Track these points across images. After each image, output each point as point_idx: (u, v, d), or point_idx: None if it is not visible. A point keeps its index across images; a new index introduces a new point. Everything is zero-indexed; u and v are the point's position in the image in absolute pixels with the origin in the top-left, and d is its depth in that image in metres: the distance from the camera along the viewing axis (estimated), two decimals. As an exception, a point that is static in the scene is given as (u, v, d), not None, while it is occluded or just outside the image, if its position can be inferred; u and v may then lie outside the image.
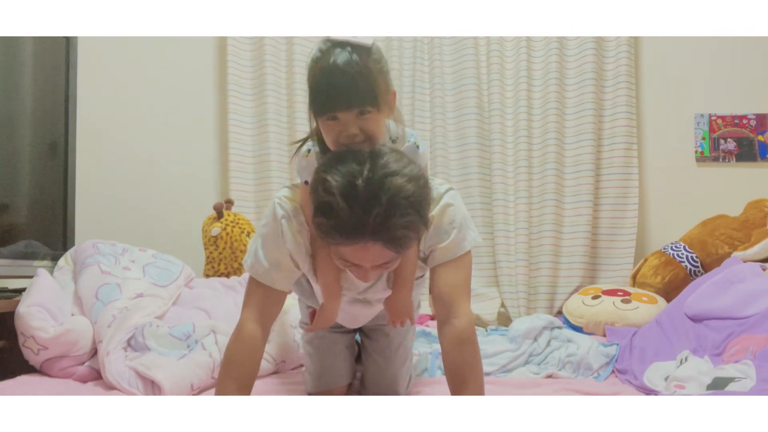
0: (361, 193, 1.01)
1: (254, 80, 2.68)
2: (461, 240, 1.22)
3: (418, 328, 2.04)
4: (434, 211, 1.19)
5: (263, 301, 1.21)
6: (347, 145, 1.10)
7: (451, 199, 1.22)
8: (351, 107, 1.08)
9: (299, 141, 1.23)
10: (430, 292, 1.24)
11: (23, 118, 1.98)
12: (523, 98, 2.65)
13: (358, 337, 1.58)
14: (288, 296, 1.28)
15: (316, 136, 1.18)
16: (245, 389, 1.17)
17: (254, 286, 1.22)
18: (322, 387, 1.49)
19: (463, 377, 1.15)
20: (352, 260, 1.09)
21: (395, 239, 1.04)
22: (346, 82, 1.06)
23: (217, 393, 1.17)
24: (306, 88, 1.15)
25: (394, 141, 1.19)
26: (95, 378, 1.59)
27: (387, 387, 1.48)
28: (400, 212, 1.02)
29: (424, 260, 1.26)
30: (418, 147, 1.21)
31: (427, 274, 1.30)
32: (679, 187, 2.70)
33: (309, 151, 1.19)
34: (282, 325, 1.82)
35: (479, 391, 1.15)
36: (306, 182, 1.17)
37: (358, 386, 1.58)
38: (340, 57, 1.06)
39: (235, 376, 1.17)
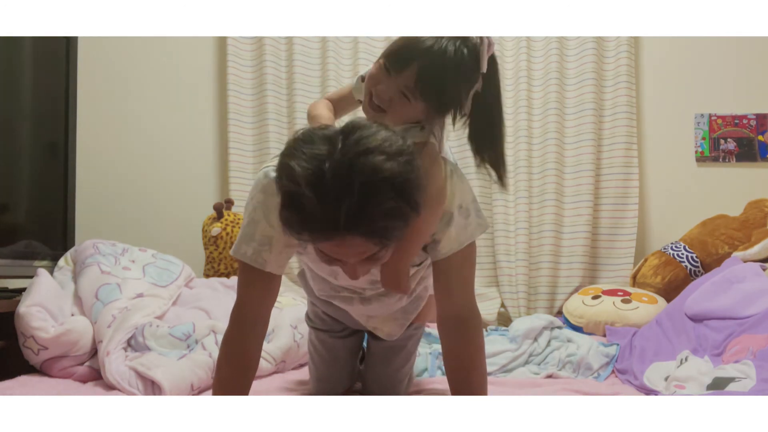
0: (329, 181, 0.85)
1: (254, 80, 2.68)
2: (469, 227, 1.11)
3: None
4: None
5: (256, 285, 1.11)
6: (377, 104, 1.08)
7: (456, 177, 1.10)
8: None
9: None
10: (434, 287, 1.15)
11: (23, 118, 1.98)
12: (523, 98, 2.65)
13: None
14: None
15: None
16: (241, 371, 1.11)
17: (245, 271, 1.12)
18: (320, 393, 1.49)
19: (470, 377, 1.13)
20: (333, 255, 0.95)
21: (376, 230, 0.89)
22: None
23: (215, 377, 1.14)
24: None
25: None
26: (95, 378, 1.59)
27: (387, 388, 1.48)
28: (378, 198, 0.86)
29: (424, 248, 1.14)
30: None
31: (427, 261, 1.20)
32: (679, 187, 2.70)
33: (363, 79, 1.16)
34: (282, 325, 1.82)
35: (484, 392, 1.15)
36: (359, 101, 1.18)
37: (359, 386, 1.58)
38: (448, 45, 1.03)
39: (230, 359, 1.11)
